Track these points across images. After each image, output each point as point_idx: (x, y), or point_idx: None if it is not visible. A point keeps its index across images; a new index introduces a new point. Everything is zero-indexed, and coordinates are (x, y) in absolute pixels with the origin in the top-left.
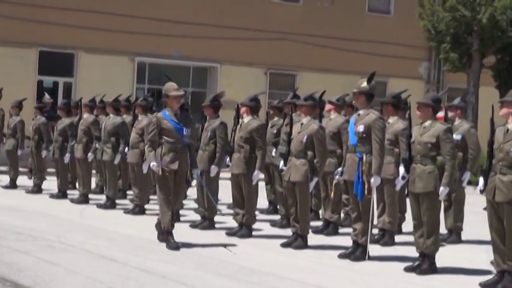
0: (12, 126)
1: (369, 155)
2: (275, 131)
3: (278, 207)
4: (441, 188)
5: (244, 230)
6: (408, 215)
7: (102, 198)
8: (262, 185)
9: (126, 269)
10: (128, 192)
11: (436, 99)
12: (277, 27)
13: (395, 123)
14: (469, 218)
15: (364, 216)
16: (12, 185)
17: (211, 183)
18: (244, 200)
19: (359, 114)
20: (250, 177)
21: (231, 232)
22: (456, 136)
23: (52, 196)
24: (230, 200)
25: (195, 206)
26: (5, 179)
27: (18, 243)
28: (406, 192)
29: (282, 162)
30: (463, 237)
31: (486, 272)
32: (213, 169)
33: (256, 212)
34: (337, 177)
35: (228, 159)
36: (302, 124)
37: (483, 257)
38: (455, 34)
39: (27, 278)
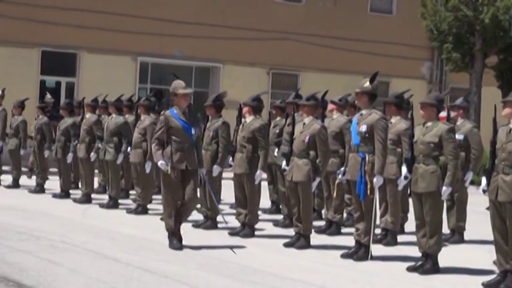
0: (15, 126)
1: (371, 155)
2: (277, 131)
3: (281, 207)
4: (444, 188)
5: (247, 229)
6: (411, 214)
7: (105, 198)
8: (264, 185)
9: (128, 269)
10: (130, 192)
11: (439, 99)
12: (279, 27)
13: (397, 123)
14: (471, 218)
15: (366, 216)
16: (15, 184)
17: (214, 183)
18: (246, 199)
19: (361, 114)
20: (252, 177)
21: (233, 232)
22: (459, 136)
23: (55, 196)
24: (233, 200)
25: (198, 206)
26: (8, 179)
27: (21, 243)
28: (408, 192)
29: (284, 162)
30: (466, 237)
31: (489, 272)
32: (216, 169)
33: (259, 212)
34: (339, 176)
35: (230, 159)
36: (304, 124)
37: (486, 257)
38: (458, 34)
39: (29, 277)
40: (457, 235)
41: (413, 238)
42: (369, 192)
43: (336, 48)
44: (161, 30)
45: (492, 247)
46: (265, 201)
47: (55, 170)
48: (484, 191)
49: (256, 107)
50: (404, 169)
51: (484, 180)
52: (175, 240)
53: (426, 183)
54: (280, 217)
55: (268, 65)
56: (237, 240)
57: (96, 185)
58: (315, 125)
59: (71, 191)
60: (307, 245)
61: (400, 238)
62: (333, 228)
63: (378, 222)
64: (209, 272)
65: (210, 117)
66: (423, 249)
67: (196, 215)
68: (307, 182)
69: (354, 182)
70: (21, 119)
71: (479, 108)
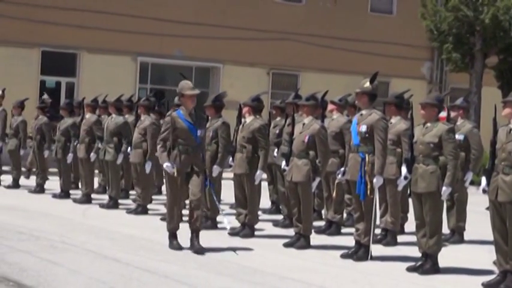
0: (15, 126)
1: (371, 155)
2: (277, 131)
3: (280, 207)
4: (443, 188)
5: (247, 230)
6: (410, 215)
7: (105, 198)
8: (264, 185)
9: (128, 269)
10: (130, 192)
11: (440, 100)
12: (279, 27)
13: (397, 123)
14: (471, 218)
15: (366, 216)
16: (15, 184)
17: (214, 183)
18: (246, 200)
19: (361, 114)
20: (252, 177)
21: (233, 232)
22: (459, 136)
23: (55, 196)
24: (233, 200)
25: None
26: (8, 179)
27: (21, 243)
28: (408, 192)
29: (284, 163)
30: (466, 237)
31: (489, 272)
32: (215, 169)
33: (259, 212)
34: (339, 177)
35: (230, 159)
36: (304, 124)
37: (486, 257)
38: (458, 34)
39: (29, 277)
40: (457, 235)
41: (413, 238)
42: (368, 192)
43: (336, 49)
44: (161, 30)
45: (492, 247)
46: (265, 202)
47: (55, 170)
48: (484, 191)
49: (256, 107)
50: (404, 169)
51: (484, 180)
52: (175, 240)
53: (426, 183)
54: (280, 217)
55: (268, 65)
56: (237, 240)
57: (96, 185)
58: (315, 125)
59: (71, 191)
60: (307, 245)
61: (400, 238)
62: (332, 228)
63: (377, 222)
64: (209, 272)
65: (209, 118)
66: (423, 250)
67: None
68: (307, 182)
69: (353, 182)
70: (21, 119)
71: (479, 109)
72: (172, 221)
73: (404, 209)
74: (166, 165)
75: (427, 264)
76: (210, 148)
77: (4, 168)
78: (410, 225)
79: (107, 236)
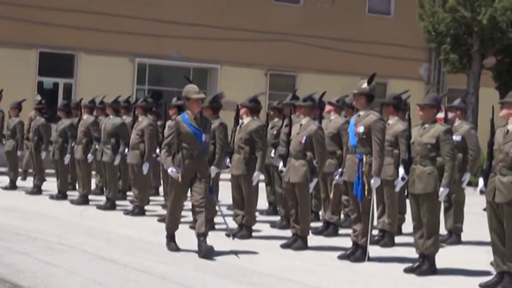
0: (12, 127)
1: (369, 156)
2: (275, 132)
3: (278, 208)
4: (441, 189)
5: (244, 231)
6: (408, 216)
7: (102, 199)
8: (262, 186)
9: (125, 270)
10: (127, 193)
11: (438, 100)
12: (277, 28)
13: (395, 124)
14: (468, 219)
15: (364, 217)
16: (12, 186)
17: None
18: (244, 201)
19: (359, 115)
20: (250, 178)
21: (230, 233)
22: (456, 137)
23: (52, 197)
24: (230, 201)
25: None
26: (5, 180)
27: (18, 244)
28: (405, 193)
29: (281, 164)
30: (463, 238)
31: (486, 273)
32: (213, 170)
33: (256, 213)
34: (336, 177)
35: (228, 160)
36: (301, 125)
37: (483, 258)
38: (456, 35)
39: (26, 279)
40: (454, 236)
41: (411, 239)
42: (366, 193)
43: (333, 49)
44: (159, 31)
45: (489, 248)
46: (262, 203)
47: (52, 171)
48: (481, 192)
49: (253, 108)
50: (401, 170)
51: (481, 181)
52: (172, 242)
53: (423, 184)
54: (277, 218)
55: (265, 66)
56: (234, 242)
57: (93, 186)
58: (312, 125)
59: (68, 192)
60: (304, 246)
61: (398, 239)
62: (330, 229)
63: (375, 223)
64: (206, 273)
65: None
66: (420, 251)
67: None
68: (304, 183)
69: (351, 183)
70: (18, 120)
71: (476, 110)
72: (172, 223)
73: (402, 210)
74: (171, 170)
75: (425, 265)
76: None
77: (1, 169)
78: (408, 226)
79: (104, 237)
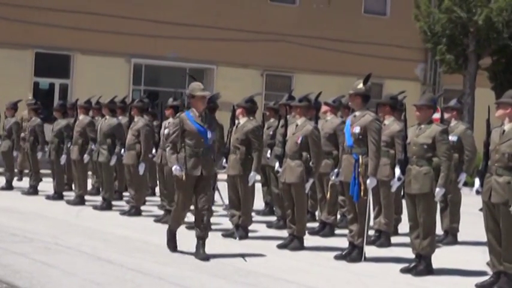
0: (8, 127)
1: (365, 157)
2: (271, 133)
3: (274, 208)
4: (437, 189)
5: (241, 231)
6: (404, 216)
7: (98, 199)
8: (258, 187)
9: (122, 271)
10: (124, 193)
11: (434, 101)
12: (273, 29)
13: (391, 124)
14: (465, 219)
15: (360, 218)
16: (8, 186)
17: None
18: (240, 201)
19: (355, 116)
20: (246, 178)
21: (227, 233)
22: (452, 137)
23: (48, 198)
24: (226, 202)
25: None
26: (1, 181)
27: (14, 244)
28: (402, 193)
29: (277, 164)
30: (459, 238)
31: (482, 273)
32: None
33: (253, 214)
34: (333, 178)
35: (224, 160)
36: (297, 125)
37: (479, 258)
38: (451, 36)
39: (23, 279)
40: (451, 236)
41: (407, 239)
42: (362, 193)
43: (329, 50)
44: (155, 32)
45: (485, 248)
46: (258, 203)
47: (48, 171)
48: (477, 193)
49: (249, 108)
50: (397, 171)
51: (477, 181)
52: (172, 241)
53: (419, 184)
54: (273, 218)
55: (262, 67)
56: (230, 242)
57: (89, 186)
58: (308, 126)
59: (64, 193)
60: (300, 247)
61: (394, 239)
62: (326, 229)
63: (371, 223)
64: (203, 274)
65: None
66: (417, 251)
67: (190, 217)
68: (300, 183)
69: (347, 184)
70: (14, 121)
71: (472, 110)
72: (176, 223)
73: (398, 211)
74: (175, 168)
75: (421, 266)
76: None
77: None
78: (404, 226)
79: (101, 238)
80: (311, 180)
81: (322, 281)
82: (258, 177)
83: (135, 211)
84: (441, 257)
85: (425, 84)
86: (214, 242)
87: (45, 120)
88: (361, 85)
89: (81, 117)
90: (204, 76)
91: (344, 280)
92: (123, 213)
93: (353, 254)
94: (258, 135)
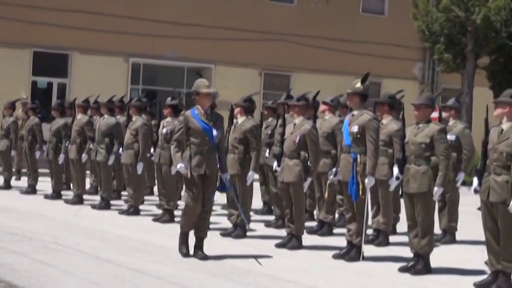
0: (6, 127)
1: (363, 156)
2: (269, 132)
3: (272, 208)
4: (435, 189)
5: (239, 230)
6: (402, 215)
7: (97, 199)
8: (256, 186)
9: (121, 270)
10: (122, 193)
11: (432, 100)
12: (271, 28)
13: (389, 124)
14: (463, 219)
15: (358, 217)
16: (7, 185)
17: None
18: (238, 200)
19: (353, 115)
20: (244, 177)
21: (225, 233)
22: (450, 136)
23: (46, 197)
24: (225, 201)
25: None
26: None
27: (13, 244)
28: (400, 192)
29: (275, 163)
30: (457, 237)
31: (480, 272)
32: None
33: (251, 213)
34: (331, 177)
35: None
36: (295, 124)
37: (477, 257)
38: (450, 35)
39: (21, 278)
40: (449, 235)
41: (405, 239)
42: (360, 193)
43: (327, 49)
44: (153, 31)
45: (484, 247)
46: (257, 202)
47: (46, 171)
48: (475, 192)
49: (247, 107)
50: (395, 170)
51: (475, 180)
52: (185, 245)
53: (418, 183)
54: (272, 218)
55: (260, 66)
56: (228, 241)
57: (88, 186)
58: (306, 125)
59: (62, 192)
60: (299, 246)
61: (392, 239)
62: (324, 228)
63: (369, 223)
64: (202, 273)
65: None
66: (415, 250)
67: None
68: (298, 182)
69: (345, 183)
70: (12, 120)
71: (471, 109)
72: (187, 224)
73: (396, 210)
74: (180, 166)
75: (419, 265)
76: None
77: None
78: (402, 225)
79: (100, 237)
80: (309, 180)
81: (321, 280)
82: (256, 176)
83: (133, 210)
84: (439, 256)
85: (423, 83)
86: (213, 242)
87: (43, 119)
88: (359, 84)
89: (79, 116)
90: (202, 75)
91: (342, 279)
92: (122, 212)
93: (351, 253)
94: (256, 135)
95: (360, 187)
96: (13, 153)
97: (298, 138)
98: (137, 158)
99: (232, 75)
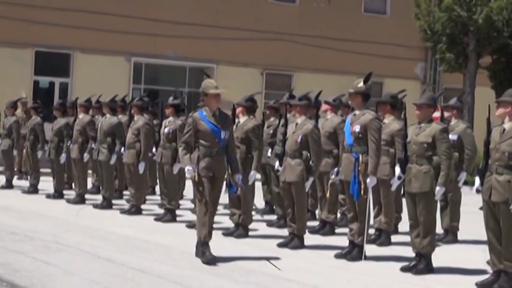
0: (8, 126)
1: (365, 155)
2: (271, 131)
3: (274, 207)
4: (437, 188)
5: (241, 230)
6: (404, 215)
7: (99, 198)
8: (258, 185)
9: (122, 269)
10: (124, 192)
11: (435, 100)
12: (273, 28)
13: (391, 123)
14: (465, 218)
15: (360, 217)
16: (8, 185)
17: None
18: (240, 200)
19: (355, 115)
20: (246, 177)
21: (227, 232)
22: (452, 136)
23: (48, 196)
24: (226, 201)
25: (192, 206)
26: (1, 180)
27: (15, 243)
28: (402, 192)
29: (277, 163)
30: (459, 237)
31: (482, 272)
32: None
33: (253, 212)
34: (333, 177)
35: None
36: (297, 124)
37: (479, 257)
38: (451, 34)
39: (23, 278)
40: (451, 235)
41: (407, 238)
42: (362, 192)
43: (329, 49)
44: (155, 31)
45: (486, 247)
46: (259, 202)
47: (48, 170)
48: (477, 191)
49: (249, 107)
50: (397, 169)
51: (477, 180)
52: (207, 251)
53: (420, 183)
54: (274, 217)
55: (262, 66)
56: (230, 241)
57: (89, 185)
58: (308, 124)
59: (64, 192)
60: (301, 245)
61: (394, 238)
62: (326, 228)
63: (371, 222)
64: (203, 272)
65: None
66: (417, 250)
67: (190, 216)
68: (300, 182)
69: (347, 183)
70: (14, 120)
71: (473, 109)
72: (203, 229)
73: (398, 209)
74: (187, 168)
75: (421, 264)
76: None
77: None
78: (404, 225)
79: (101, 236)
80: (311, 179)
81: (323, 280)
82: (258, 176)
83: (135, 210)
84: (441, 255)
85: (425, 83)
86: (215, 241)
87: (45, 119)
88: (361, 84)
89: (81, 116)
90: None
91: (344, 279)
92: (123, 212)
93: (353, 252)
94: (258, 134)
95: (362, 187)
96: (15, 152)
97: (300, 137)
98: (139, 158)
99: (234, 74)
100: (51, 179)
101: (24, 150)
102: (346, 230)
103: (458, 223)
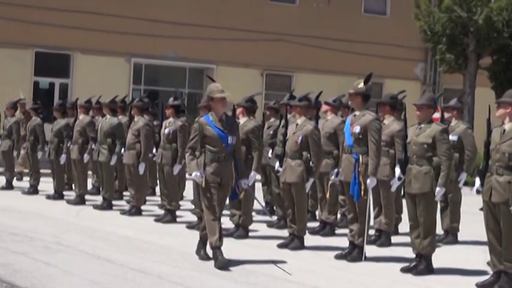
0: (8, 127)
1: (365, 156)
2: (271, 132)
3: (274, 208)
4: (437, 189)
5: (241, 231)
6: (404, 215)
7: (99, 199)
8: (258, 186)
9: (122, 270)
10: (124, 193)
11: (435, 100)
12: (273, 28)
13: (391, 124)
14: (465, 219)
15: (360, 217)
16: (8, 186)
17: None
18: (240, 201)
19: (355, 115)
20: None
21: (227, 233)
22: (452, 137)
23: (48, 197)
24: (226, 201)
25: (192, 207)
26: (1, 180)
27: (15, 244)
28: (402, 193)
29: (277, 164)
30: (460, 237)
31: (483, 273)
32: None
33: (253, 213)
34: (333, 177)
35: None
36: (297, 125)
37: (480, 258)
38: (452, 35)
39: (23, 279)
40: (451, 236)
41: (407, 239)
42: (362, 193)
43: (329, 49)
44: (155, 31)
45: (486, 248)
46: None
47: (48, 171)
48: (477, 192)
49: (249, 108)
50: (397, 170)
51: (477, 181)
52: (221, 256)
53: (420, 184)
54: (274, 218)
55: (262, 66)
56: (230, 241)
57: (89, 186)
58: (308, 125)
59: (64, 192)
60: (301, 246)
61: (394, 239)
62: (326, 229)
63: (371, 223)
64: (203, 273)
65: None
66: (417, 250)
67: (190, 216)
68: (300, 183)
69: (347, 183)
70: (14, 120)
71: (473, 109)
72: (213, 235)
73: (398, 210)
74: (195, 174)
75: (421, 265)
76: None
77: None
78: (404, 226)
79: (101, 237)
80: (311, 180)
81: (323, 281)
82: (258, 176)
83: (135, 211)
84: (441, 256)
85: (425, 83)
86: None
87: (45, 119)
88: (361, 84)
89: (81, 116)
90: (204, 76)
91: (345, 280)
92: (124, 212)
93: (353, 253)
94: (258, 135)
95: (362, 187)
96: (15, 153)
97: (300, 138)
98: (139, 159)
99: (234, 75)
100: (51, 179)
101: (23, 151)
102: (346, 230)
103: (459, 224)
